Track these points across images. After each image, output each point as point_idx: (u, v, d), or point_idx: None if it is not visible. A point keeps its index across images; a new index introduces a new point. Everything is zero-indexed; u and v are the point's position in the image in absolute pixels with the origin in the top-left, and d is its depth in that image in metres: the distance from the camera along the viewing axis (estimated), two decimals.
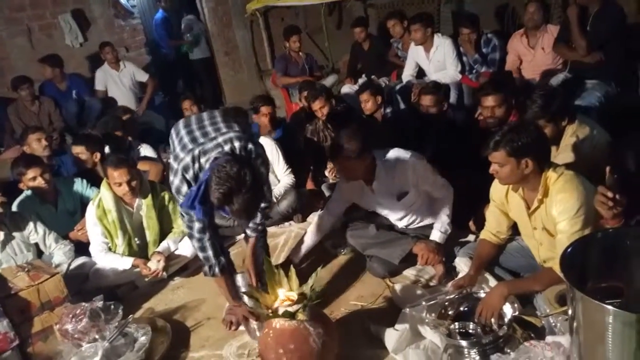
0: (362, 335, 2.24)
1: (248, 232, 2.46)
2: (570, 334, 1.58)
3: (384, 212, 2.76)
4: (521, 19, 5.11)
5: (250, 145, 2.14)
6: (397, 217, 2.75)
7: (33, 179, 3.09)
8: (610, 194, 1.64)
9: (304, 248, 2.79)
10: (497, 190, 2.26)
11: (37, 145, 3.64)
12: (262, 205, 2.27)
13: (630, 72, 3.72)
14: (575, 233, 1.92)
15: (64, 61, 5.20)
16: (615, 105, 3.46)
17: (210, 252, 2.28)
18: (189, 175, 2.09)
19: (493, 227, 2.34)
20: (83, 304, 2.30)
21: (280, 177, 3.49)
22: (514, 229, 2.34)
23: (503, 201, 2.25)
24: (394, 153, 2.58)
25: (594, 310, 1.40)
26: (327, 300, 2.50)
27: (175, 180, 2.13)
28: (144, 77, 5.48)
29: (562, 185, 1.97)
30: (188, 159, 2.08)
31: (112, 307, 2.34)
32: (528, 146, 1.97)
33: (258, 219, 2.39)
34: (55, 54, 5.19)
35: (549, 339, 1.78)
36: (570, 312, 1.52)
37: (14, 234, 2.85)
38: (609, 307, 1.35)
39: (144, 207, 2.95)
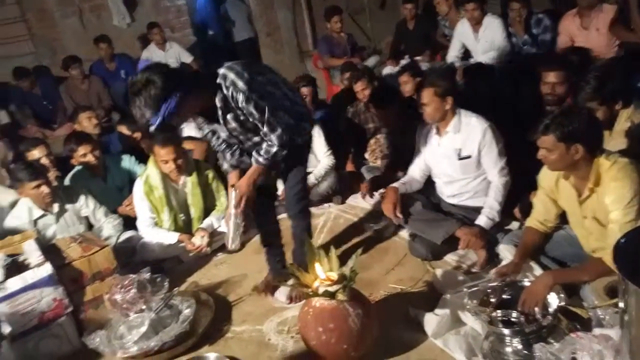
0: (401, 318, 2.25)
1: (252, 158, 2.27)
2: (620, 327, 1.52)
3: (441, 169, 2.75)
4: None
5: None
6: (451, 180, 2.72)
7: (84, 155, 3.22)
8: None
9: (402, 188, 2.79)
10: (546, 177, 2.19)
11: (87, 123, 3.79)
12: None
13: None
14: (628, 223, 1.85)
15: (113, 41, 5.35)
16: None
17: (222, 154, 2.35)
18: None
19: (540, 215, 2.27)
20: (131, 275, 2.39)
21: (321, 158, 3.50)
22: (562, 217, 2.27)
23: (552, 188, 2.18)
24: (475, 115, 2.62)
25: None
26: (366, 282, 2.51)
27: None
28: (188, 58, 5.57)
29: (615, 174, 1.90)
30: None
31: (159, 279, 2.42)
32: (579, 131, 1.90)
33: (262, 150, 2.20)
34: (105, 34, 5.34)
35: (597, 331, 1.73)
36: (621, 305, 1.47)
37: (67, 206, 2.99)
38: None
39: (189, 184, 3.04)
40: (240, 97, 2.07)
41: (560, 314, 1.94)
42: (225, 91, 2.09)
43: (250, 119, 2.14)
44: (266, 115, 2.11)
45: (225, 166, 2.36)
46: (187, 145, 3.52)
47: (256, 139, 2.24)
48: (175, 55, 5.51)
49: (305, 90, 3.82)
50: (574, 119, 1.91)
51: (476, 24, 4.26)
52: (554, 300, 1.91)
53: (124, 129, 3.63)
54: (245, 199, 2.22)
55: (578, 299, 2.03)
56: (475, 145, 2.57)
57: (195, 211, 3.06)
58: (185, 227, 3.07)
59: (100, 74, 5.23)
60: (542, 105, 3.38)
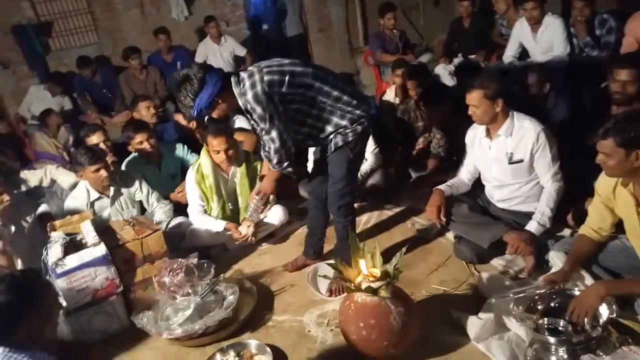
0: (443, 320, 2.22)
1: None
2: None
3: (491, 173, 2.68)
4: None
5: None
6: (501, 184, 2.65)
7: (140, 142, 3.36)
8: None
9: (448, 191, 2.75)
10: (604, 183, 2.10)
11: (146, 112, 3.95)
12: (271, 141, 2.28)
13: None
14: None
15: (170, 34, 5.53)
16: None
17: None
18: None
19: (595, 223, 2.18)
20: (180, 260, 2.48)
21: (368, 155, 3.49)
22: (618, 227, 2.17)
23: (610, 196, 2.09)
24: (528, 117, 2.54)
25: None
26: (409, 281, 2.49)
27: None
28: (242, 51, 5.68)
29: None
30: None
31: (205, 265, 2.50)
32: None
33: (266, 148, 2.33)
34: (164, 26, 5.54)
35: None
36: None
37: (122, 190, 3.14)
38: None
39: (238, 174, 3.11)
40: (248, 107, 2.22)
41: (611, 327, 1.86)
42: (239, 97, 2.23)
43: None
44: (266, 128, 2.25)
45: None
46: (237, 137, 3.61)
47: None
48: (229, 49, 5.63)
49: None
50: (636, 125, 1.82)
51: (535, 23, 4.12)
52: (605, 312, 1.84)
53: (180, 118, 3.76)
54: (263, 194, 2.59)
55: (632, 311, 1.94)
56: (528, 149, 2.49)
57: (243, 201, 3.14)
58: (232, 216, 3.15)
59: (157, 65, 5.43)
60: (602, 109, 3.25)
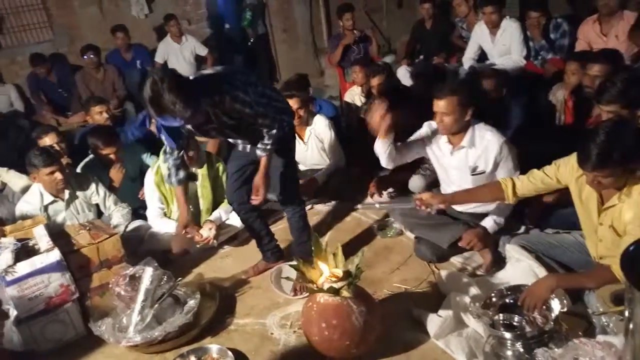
0: (404, 318, 2.25)
1: (258, 152, 2.36)
2: (624, 335, 1.51)
3: (451, 181, 2.70)
4: (596, 2, 4.81)
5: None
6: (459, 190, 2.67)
7: (107, 154, 3.27)
8: None
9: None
10: (570, 168, 2.08)
11: (98, 117, 3.84)
12: (261, 127, 2.27)
13: None
14: None
15: (130, 32, 5.39)
16: None
17: (172, 168, 2.45)
18: None
19: (527, 186, 2.21)
20: (136, 266, 2.41)
21: (331, 156, 3.50)
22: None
23: (570, 182, 2.10)
24: (489, 128, 2.53)
25: None
26: (370, 280, 2.52)
27: None
28: (203, 51, 5.59)
29: None
30: None
31: (164, 270, 2.43)
32: (634, 152, 1.79)
33: (266, 139, 2.31)
34: (122, 24, 5.39)
35: (600, 338, 1.72)
36: (627, 313, 1.45)
37: (78, 193, 3.03)
38: None
39: (199, 176, 3.06)
40: (238, 106, 2.17)
41: (564, 320, 1.93)
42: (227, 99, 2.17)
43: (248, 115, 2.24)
44: (260, 111, 2.22)
45: (173, 180, 2.49)
46: (200, 138, 3.55)
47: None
48: (190, 48, 5.54)
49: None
50: (624, 142, 1.78)
51: (493, 27, 4.23)
52: (556, 306, 1.90)
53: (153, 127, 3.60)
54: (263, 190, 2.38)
55: (582, 305, 2.01)
56: (491, 161, 2.50)
57: (204, 203, 3.08)
58: (193, 219, 3.08)
59: (116, 64, 5.28)
60: (555, 113, 3.36)
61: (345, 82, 5.05)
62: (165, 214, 3.08)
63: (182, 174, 2.48)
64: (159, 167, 3.02)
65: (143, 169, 3.34)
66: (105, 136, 3.33)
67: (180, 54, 5.50)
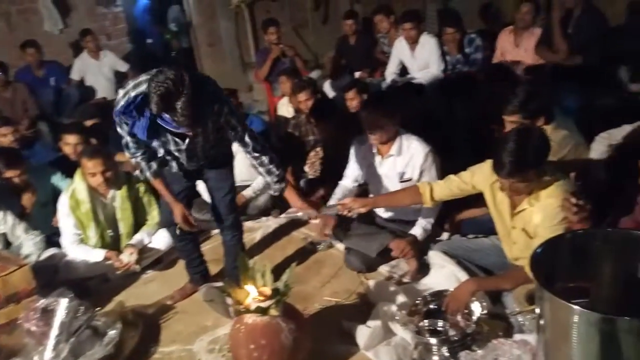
0: (335, 331, 2.24)
1: (275, 187, 2.38)
2: (537, 332, 1.59)
3: (381, 188, 2.76)
4: (505, 17, 5.16)
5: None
6: None
7: (10, 178, 3.02)
8: (574, 200, 1.66)
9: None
10: (484, 175, 2.17)
11: (3, 138, 3.56)
12: (242, 145, 2.24)
13: (610, 75, 3.77)
14: None
15: (42, 48, 5.08)
16: (594, 108, 3.49)
17: (142, 162, 2.25)
18: (134, 92, 2.01)
19: (443, 190, 2.29)
20: (49, 299, 2.24)
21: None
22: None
23: (484, 188, 2.19)
24: (415, 137, 2.65)
25: (560, 310, 1.41)
26: (302, 296, 2.50)
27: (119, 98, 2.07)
28: (124, 67, 5.37)
29: (553, 191, 1.95)
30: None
31: (79, 301, 2.28)
32: (540, 156, 1.92)
33: (257, 157, 2.28)
34: (33, 39, 5.07)
35: (517, 337, 1.80)
36: (537, 310, 1.53)
37: None
38: (575, 306, 1.35)
39: (118, 198, 2.90)
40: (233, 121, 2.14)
41: (485, 322, 2.00)
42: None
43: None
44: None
45: (148, 174, 2.30)
46: (119, 157, 3.39)
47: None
48: (109, 64, 5.30)
49: None
50: (533, 148, 1.89)
51: (413, 42, 4.40)
52: (477, 308, 1.97)
53: (75, 140, 3.36)
54: None
55: (501, 306, 2.10)
56: (417, 168, 2.62)
57: (124, 227, 2.93)
58: (113, 244, 2.92)
59: (26, 81, 4.94)
60: (477, 125, 3.54)
61: (274, 97, 5.05)
62: (82, 240, 2.89)
63: (154, 165, 2.28)
64: (74, 191, 2.84)
65: (56, 192, 3.12)
66: (6, 158, 3.08)
67: (98, 71, 5.24)
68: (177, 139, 2.16)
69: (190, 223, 2.35)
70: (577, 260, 1.59)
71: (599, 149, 2.49)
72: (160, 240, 2.94)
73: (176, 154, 2.25)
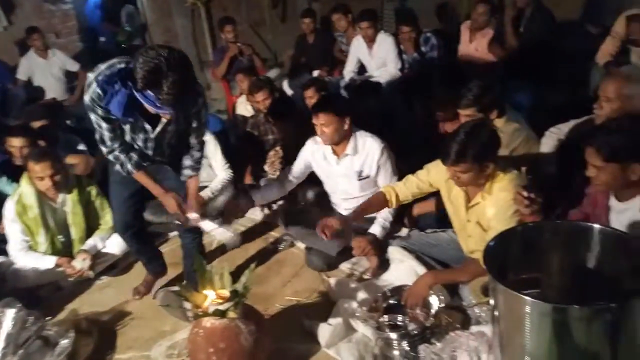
0: (297, 330, 2.23)
1: (186, 172, 2.27)
2: (492, 323, 1.62)
3: (339, 188, 2.77)
4: (460, 17, 5.28)
5: None
6: (348, 197, 2.76)
7: None
8: (525, 193, 1.71)
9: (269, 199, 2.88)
10: (439, 171, 2.22)
11: None
12: (195, 139, 2.21)
13: (561, 72, 3.92)
14: None
15: None
16: (544, 104, 3.62)
17: (122, 154, 2.12)
18: (108, 72, 1.92)
19: (405, 191, 2.33)
20: None
21: (218, 171, 3.40)
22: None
23: (441, 183, 2.24)
24: (369, 134, 2.66)
25: (512, 301, 1.45)
26: (263, 296, 2.48)
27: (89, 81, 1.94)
28: (74, 66, 5.17)
29: (506, 184, 2.00)
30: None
31: (29, 314, 2.18)
32: (489, 149, 1.98)
33: (196, 152, 2.23)
34: None
35: (474, 328, 1.84)
36: (492, 302, 1.57)
37: None
38: (526, 297, 1.39)
39: (69, 202, 2.79)
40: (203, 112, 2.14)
41: (445, 315, 2.04)
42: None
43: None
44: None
45: (130, 166, 2.15)
46: (70, 160, 3.26)
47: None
48: (59, 63, 5.08)
49: None
50: (480, 140, 1.95)
51: (370, 41, 4.43)
52: (435, 302, 2.01)
53: (21, 143, 3.17)
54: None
55: (459, 298, 2.14)
56: (374, 165, 2.64)
57: (76, 232, 2.81)
58: (64, 250, 2.80)
59: None
60: (435, 123, 3.61)
61: (232, 96, 4.98)
62: (30, 247, 2.76)
63: (135, 156, 2.15)
64: (20, 195, 2.71)
65: (1, 198, 2.96)
66: None
67: (47, 70, 5.02)
68: (147, 126, 2.07)
69: (185, 213, 2.25)
70: (528, 251, 1.64)
71: (548, 143, 2.58)
72: (115, 244, 2.84)
73: (141, 144, 2.14)
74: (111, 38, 6.48)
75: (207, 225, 2.36)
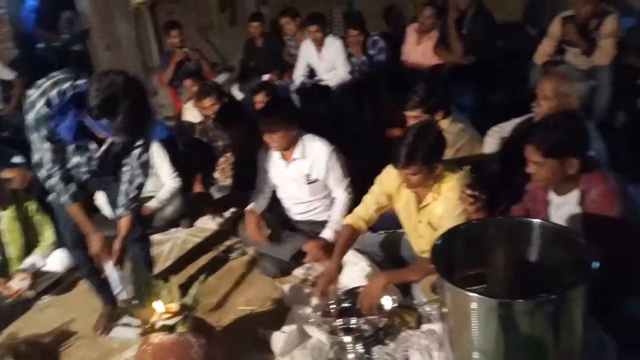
0: (250, 340, 2.18)
1: (117, 212, 2.14)
2: (441, 321, 1.65)
3: (289, 192, 2.76)
4: (406, 20, 5.39)
5: None
6: (299, 202, 2.76)
7: None
8: (470, 192, 1.75)
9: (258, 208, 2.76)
10: (390, 178, 2.23)
11: None
12: (137, 160, 2.09)
13: (504, 72, 4.06)
14: None
15: None
16: (487, 104, 3.74)
17: (59, 183, 1.98)
18: (55, 91, 1.83)
19: (365, 212, 2.31)
20: None
21: (165, 180, 3.30)
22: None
23: (393, 191, 2.26)
24: (318, 138, 2.65)
25: (459, 298, 1.47)
26: (215, 307, 2.43)
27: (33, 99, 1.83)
28: (9, 75, 4.87)
29: (453, 184, 2.04)
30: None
31: None
32: (436, 152, 2.02)
33: (132, 192, 2.10)
34: None
35: (425, 327, 1.86)
36: (440, 300, 1.59)
37: None
38: (472, 294, 1.42)
39: (4, 219, 2.63)
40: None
41: (399, 315, 2.05)
42: None
43: None
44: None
45: (66, 197, 2.01)
46: (5, 174, 3.08)
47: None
48: None
49: None
50: (428, 142, 1.98)
51: (319, 44, 4.45)
52: (387, 302, 2.01)
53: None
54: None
55: (412, 297, 2.17)
56: (323, 169, 2.63)
57: (13, 250, 2.65)
58: (1, 270, 2.64)
59: None
60: (384, 125, 3.65)
61: (179, 102, 4.87)
62: None
63: (73, 186, 2.01)
64: None
65: None
66: None
67: None
68: (92, 146, 1.97)
69: (108, 254, 2.10)
70: (473, 248, 1.67)
71: (491, 142, 2.65)
72: (57, 261, 2.70)
73: (84, 161, 2.02)
74: (49, 44, 6.19)
75: (114, 283, 2.14)
